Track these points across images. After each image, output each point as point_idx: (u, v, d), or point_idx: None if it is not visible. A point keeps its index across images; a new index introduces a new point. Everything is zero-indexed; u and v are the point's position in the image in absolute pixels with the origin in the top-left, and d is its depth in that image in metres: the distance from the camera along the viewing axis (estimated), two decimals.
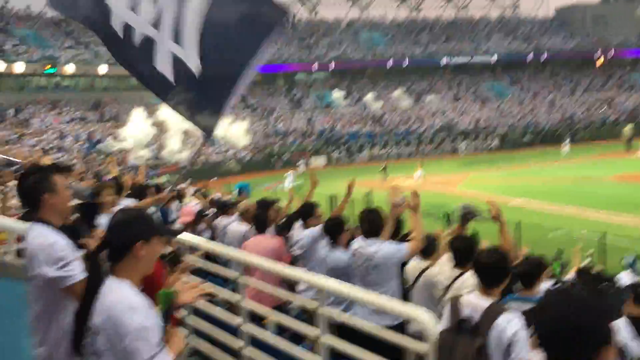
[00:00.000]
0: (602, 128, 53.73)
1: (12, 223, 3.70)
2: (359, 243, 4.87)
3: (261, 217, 6.10)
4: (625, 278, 7.47)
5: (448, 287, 4.57)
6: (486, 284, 3.22)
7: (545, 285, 6.20)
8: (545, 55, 63.19)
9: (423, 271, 5.32)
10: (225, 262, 5.51)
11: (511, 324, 2.93)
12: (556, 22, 71.86)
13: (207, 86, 3.31)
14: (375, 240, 4.75)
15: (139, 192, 7.25)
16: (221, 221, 8.35)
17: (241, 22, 3.43)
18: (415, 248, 4.88)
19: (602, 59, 66.18)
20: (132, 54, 3.44)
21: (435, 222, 20.74)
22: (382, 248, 4.69)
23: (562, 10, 74.49)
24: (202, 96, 3.29)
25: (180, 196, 11.37)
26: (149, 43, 3.28)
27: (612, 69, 65.29)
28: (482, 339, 2.92)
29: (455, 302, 3.21)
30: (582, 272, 6.66)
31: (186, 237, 5.51)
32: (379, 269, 4.66)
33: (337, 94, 55.04)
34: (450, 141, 50.26)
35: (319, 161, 44.23)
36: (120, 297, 2.32)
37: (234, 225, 7.19)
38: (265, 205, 6.91)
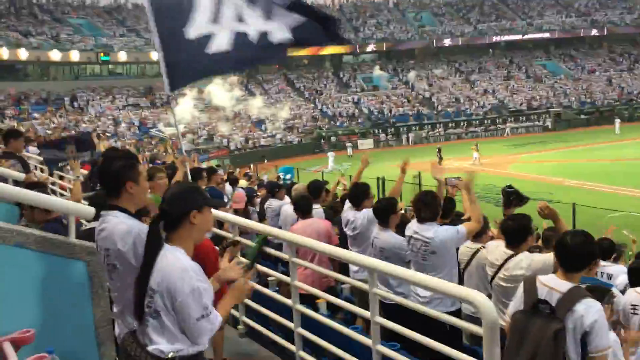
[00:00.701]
0: None
1: (73, 204, 3.83)
2: (414, 228, 4.75)
3: (306, 200, 6.09)
4: None
5: (500, 268, 4.48)
6: (567, 268, 3.06)
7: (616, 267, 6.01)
8: (602, 30, 60.56)
9: (475, 253, 5.24)
10: (278, 245, 5.57)
11: (591, 310, 2.82)
12: None
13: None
14: (431, 225, 4.64)
15: (192, 175, 7.35)
16: (272, 203, 8.42)
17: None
18: (473, 229, 4.77)
19: None
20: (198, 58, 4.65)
21: (486, 204, 20.43)
22: (440, 233, 4.59)
23: None
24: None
25: (233, 181, 11.51)
26: (205, 38, 4.40)
27: None
28: (560, 324, 2.81)
29: (531, 282, 3.07)
30: None
31: (239, 219, 5.59)
32: (437, 255, 4.58)
33: (380, 73, 54.20)
34: (502, 122, 49.05)
35: (366, 144, 44.00)
36: (175, 260, 2.51)
37: (287, 207, 7.24)
38: (316, 187, 6.93)
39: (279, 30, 4.50)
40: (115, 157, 3.20)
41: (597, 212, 16.15)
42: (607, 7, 65.05)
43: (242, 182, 11.94)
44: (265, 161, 33.95)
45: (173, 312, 2.48)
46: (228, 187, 10.15)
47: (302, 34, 4.58)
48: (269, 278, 5.43)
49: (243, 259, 4.73)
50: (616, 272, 5.70)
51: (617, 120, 43.15)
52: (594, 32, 60.47)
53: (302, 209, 5.98)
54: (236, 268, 3.00)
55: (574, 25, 61.10)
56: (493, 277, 4.55)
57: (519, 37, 59.63)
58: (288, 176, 12.66)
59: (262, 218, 8.70)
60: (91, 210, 3.51)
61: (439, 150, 32.94)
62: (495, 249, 4.66)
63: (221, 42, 4.39)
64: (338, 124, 47.95)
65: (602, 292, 3.18)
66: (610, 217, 16.59)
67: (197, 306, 2.46)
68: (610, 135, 39.91)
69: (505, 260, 4.43)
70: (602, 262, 5.47)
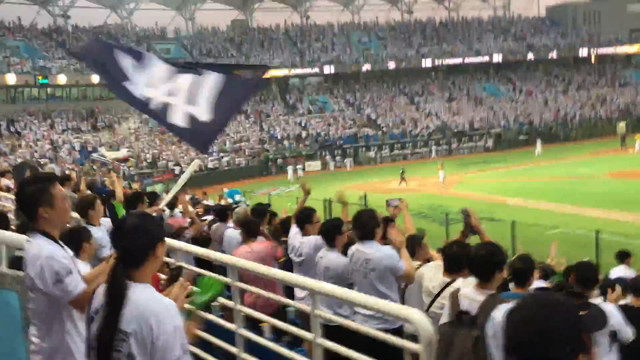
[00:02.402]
0: (596, 125, 53.94)
1: (2, 233, 3.69)
2: (355, 247, 4.82)
3: (252, 223, 6.06)
4: (617, 272, 7.52)
5: (437, 295, 4.50)
6: (480, 278, 3.24)
7: (538, 284, 6.23)
8: (537, 54, 63.45)
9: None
10: (223, 269, 5.49)
11: None
12: (548, 20, 72.24)
13: (205, 131, 4.95)
14: (371, 243, 4.70)
15: (133, 200, 7.19)
16: (218, 228, 8.30)
17: (238, 95, 4.94)
18: (412, 274, 4.72)
19: (594, 57, 66.51)
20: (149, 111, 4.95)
21: (432, 223, 20.82)
22: (381, 251, 4.64)
23: (553, 8, 74.91)
24: (200, 136, 4.92)
25: (173, 205, 11.28)
26: (164, 107, 4.59)
27: (604, 66, 65.64)
28: (479, 331, 2.93)
29: (454, 296, 3.22)
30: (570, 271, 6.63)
31: (179, 244, 5.49)
32: (377, 272, 4.61)
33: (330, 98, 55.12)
34: (445, 142, 50.35)
35: (313, 165, 44.24)
36: (151, 299, 2.39)
37: (230, 231, 7.17)
38: (259, 211, 6.90)
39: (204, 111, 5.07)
40: (28, 183, 3.12)
41: (537, 229, 16.73)
42: (542, 32, 68.25)
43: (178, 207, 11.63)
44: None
45: (150, 354, 2.33)
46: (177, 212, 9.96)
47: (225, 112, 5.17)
48: (213, 303, 5.33)
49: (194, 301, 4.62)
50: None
51: (539, 141, 44.68)
52: (530, 56, 63.23)
53: (249, 232, 5.93)
54: (185, 303, 2.87)
55: (511, 49, 63.69)
56: (430, 305, 4.57)
57: (459, 60, 61.65)
58: (237, 197, 12.54)
59: (208, 243, 8.56)
60: (20, 237, 3.40)
61: (403, 172, 33.62)
62: (434, 275, 4.68)
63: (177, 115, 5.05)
64: (285, 146, 48.10)
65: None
66: (550, 234, 17.23)
67: (178, 345, 2.35)
68: (551, 155, 41.49)
69: (443, 288, 4.43)
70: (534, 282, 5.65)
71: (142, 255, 2.44)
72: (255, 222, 6.12)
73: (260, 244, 5.83)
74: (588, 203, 23.19)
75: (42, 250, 2.89)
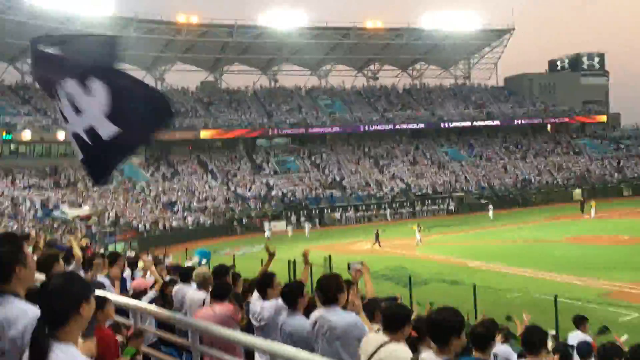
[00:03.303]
0: (553, 191, 55.64)
1: None
2: (319, 312, 4.74)
3: (224, 285, 6.04)
4: (575, 338, 7.68)
5: (372, 356, 4.18)
6: (437, 343, 3.32)
7: (500, 347, 6.38)
8: (496, 122, 65.89)
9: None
10: (184, 331, 5.47)
11: None
12: (506, 90, 75.43)
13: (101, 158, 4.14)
14: (335, 309, 4.65)
15: (46, 262, 6.98)
16: (181, 289, 8.22)
17: (139, 112, 4.04)
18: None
19: (550, 126, 69.40)
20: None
21: (396, 285, 20.91)
22: (345, 318, 4.58)
23: (510, 79, 78.46)
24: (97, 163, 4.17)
25: (132, 264, 11.14)
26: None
27: (560, 135, 68.45)
28: None
29: None
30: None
31: (140, 304, 5.49)
32: (341, 340, 4.54)
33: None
34: (409, 205, 51.10)
35: (279, 226, 44.16)
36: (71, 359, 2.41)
37: (192, 292, 7.12)
38: (221, 272, 6.89)
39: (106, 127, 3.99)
40: (2, 242, 3.13)
41: (498, 293, 16.99)
42: (500, 101, 71.11)
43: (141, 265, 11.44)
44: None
45: None
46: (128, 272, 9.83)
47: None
48: None
49: None
50: (503, 352, 6.11)
51: (490, 207, 45.98)
52: (489, 123, 65.60)
53: (218, 294, 5.85)
54: None
55: (471, 116, 66.01)
56: None
57: (422, 125, 63.45)
58: (204, 261, 12.33)
59: (170, 305, 8.46)
60: None
61: (377, 233, 33.91)
62: (373, 336, 4.41)
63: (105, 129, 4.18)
64: (251, 206, 48.04)
65: None
66: (510, 297, 17.50)
67: None
68: (510, 219, 42.40)
69: (378, 348, 4.17)
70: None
71: (65, 314, 2.48)
72: (227, 285, 6.08)
73: (223, 307, 5.82)
74: (545, 267, 23.70)
75: (28, 312, 2.86)
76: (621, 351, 5.58)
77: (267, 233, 40.65)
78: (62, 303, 2.49)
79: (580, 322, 8.40)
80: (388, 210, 49.53)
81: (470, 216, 46.07)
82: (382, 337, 4.23)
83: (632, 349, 5.10)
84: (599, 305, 15.89)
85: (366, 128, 61.40)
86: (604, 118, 71.91)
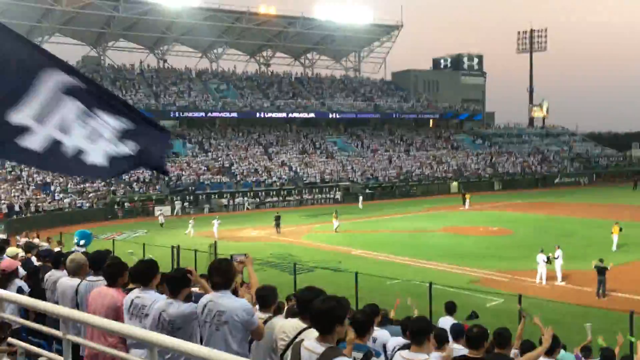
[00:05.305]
0: (433, 183, 58.68)
1: None
2: (209, 296, 4.62)
3: (116, 265, 5.65)
4: (444, 322, 8.12)
5: (292, 340, 4.37)
6: (321, 331, 3.34)
7: (379, 332, 6.55)
8: (383, 115, 68.24)
9: (264, 322, 5.31)
10: (56, 321, 5.10)
11: None
12: (393, 85, 78.27)
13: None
14: (225, 293, 4.55)
15: None
16: (52, 275, 7.68)
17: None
18: (261, 332, 4.65)
19: (432, 121, 73.08)
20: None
21: (282, 272, 21.06)
22: (235, 302, 4.51)
23: (397, 74, 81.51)
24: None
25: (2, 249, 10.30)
26: (23, 129, 3.79)
27: (440, 130, 72.31)
28: None
29: (296, 348, 3.33)
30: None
31: (8, 294, 5.06)
32: (230, 325, 4.45)
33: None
34: (297, 193, 51.60)
35: (164, 210, 42.82)
36: None
37: (65, 279, 6.67)
38: (98, 258, 6.51)
39: (96, 154, 4.30)
40: None
41: (379, 280, 17.64)
42: (388, 95, 73.69)
43: (11, 250, 10.58)
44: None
45: None
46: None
47: (121, 165, 4.48)
48: (40, 359, 4.93)
49: None
50: (380, 336, 6.35)
51: (360, 197, 47.87)
52: (376, 115, 67.82)
53: (112, 277, 5.48)
54: None
55: (360, 108, 67.81)
56: (285, 350, 4.46)
57: (312, 115, 64.24)
58: (82, 242, 11.44)
59: (41, 293, 7.89)
60: None
61: (277, 218, 33.74)
62: (287, 322, 4.70)
63: (34, 141, 4.08)
64: (135, 190, 46.15)
65: (367, 356, 3.72)
66: (390, 284, 18.24)
67: None
68: (393, 209, 44.07)
69: (298, 334, 4.34)
70: (375, 328, 5.98)
71: None
72: (120, 265, 5.67)
73: (113, 292, 5.47)
74: (423, 255, 24.97)
75: None
76: (488, 334, 5.94)
77: (160, 219, 38.78)
78: None
79: (451, 308, 8.94)
80: (247, 201, 49.14)
81: (355, 206, 47.29)
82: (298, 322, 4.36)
83: (496, 331, 5.43)
84: (470, 291, 16.97)
85: (257, 115, 61.04)
86: (480, 116, 77.06)
